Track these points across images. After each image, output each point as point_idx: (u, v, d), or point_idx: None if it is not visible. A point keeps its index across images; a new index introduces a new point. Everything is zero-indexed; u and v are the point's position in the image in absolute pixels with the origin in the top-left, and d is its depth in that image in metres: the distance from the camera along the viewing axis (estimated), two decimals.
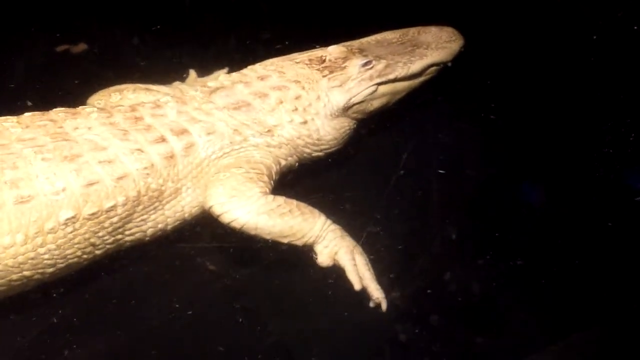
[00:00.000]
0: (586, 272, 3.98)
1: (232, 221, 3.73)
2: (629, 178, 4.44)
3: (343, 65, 4.19)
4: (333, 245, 3.84)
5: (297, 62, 4.22)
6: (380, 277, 3.82)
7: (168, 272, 3.94)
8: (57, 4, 5.27)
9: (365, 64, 4.19)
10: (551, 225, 4.20)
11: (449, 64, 4.47)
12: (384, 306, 3.76)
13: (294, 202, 3.85)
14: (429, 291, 3.94)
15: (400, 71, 4.28)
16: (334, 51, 4.26)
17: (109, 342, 3.68)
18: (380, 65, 4.23)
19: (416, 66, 4.34)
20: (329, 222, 3.87)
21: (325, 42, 4.35)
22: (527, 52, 4.99)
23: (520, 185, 4.47)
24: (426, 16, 4.74)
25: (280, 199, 3.81)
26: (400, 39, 4.50)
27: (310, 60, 4.23)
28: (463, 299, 3.91)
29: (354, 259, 3.82)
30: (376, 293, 3.77)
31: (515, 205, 4.35)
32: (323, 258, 3.85)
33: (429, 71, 4.43)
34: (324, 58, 4.23)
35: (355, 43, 4.45)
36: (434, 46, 4.44)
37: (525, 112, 4.72)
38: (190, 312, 3.79)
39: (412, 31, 4.57)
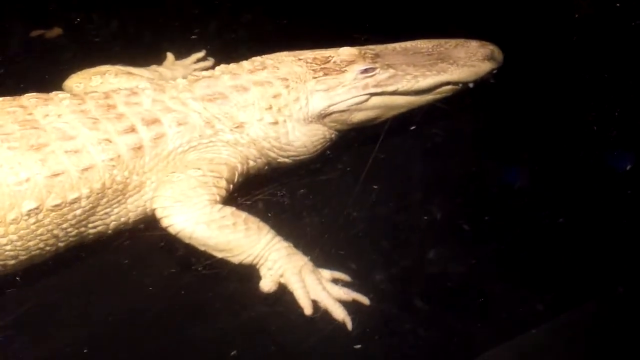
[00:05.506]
0: (572, 252, 3.83)
1: (168, 226, 3.52)
2: (612, 159, 4.33)
3: (343, 69, 3.88)
4: (277, 267, 3.51)
5: (299, 59, 3.94)
6: (362, 259, 3.68)
7: (138, 261, 3.83)
8: None
9: (366, 71, 3.87)
10: (537, 205, 4.04)
11: (470, 85, 4.07)
12: (349, 325, 3.41)
13: (243, 214, 3.57)
14: (412, 273, 3.76)
15: (405, 84, 3.92)
16: (343, 53, 3.96)
17: (77, 333, 3.60)
18: (383, 75, 3.90)
19: (426, 82, 3.95)
20: (276, 240, 3.56)
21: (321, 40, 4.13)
22: (512, 34, 4.78)
23: (504, 166, 4.32)
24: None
25: (228, 210, 3.55)
26: (430, 50, 4.10)
27: (313, 58, 3.94)
28: (448, 281, 3.74)
29: (302, 281, 3.49)
30: (337, 313, 3.43)
31: (499, 186, 4.20)
32: (265, 282, 3.51)
33: (441, 90, 4.02)
34: (329, 59, 3.94)
35: (378, 47, 4.09)
36: (462, 63, 4.01)
37: (509, 93, 4.48)
38: (166, 298, 3.69)
39: (449, 43, 4.16)
